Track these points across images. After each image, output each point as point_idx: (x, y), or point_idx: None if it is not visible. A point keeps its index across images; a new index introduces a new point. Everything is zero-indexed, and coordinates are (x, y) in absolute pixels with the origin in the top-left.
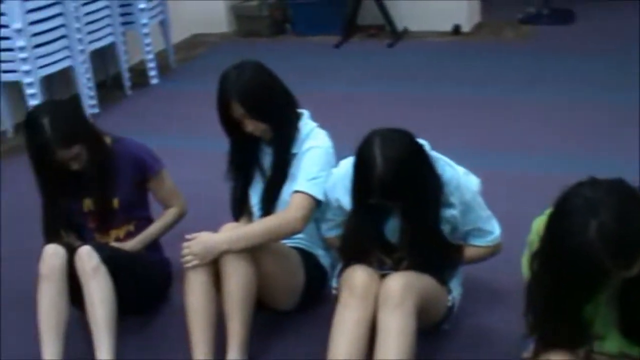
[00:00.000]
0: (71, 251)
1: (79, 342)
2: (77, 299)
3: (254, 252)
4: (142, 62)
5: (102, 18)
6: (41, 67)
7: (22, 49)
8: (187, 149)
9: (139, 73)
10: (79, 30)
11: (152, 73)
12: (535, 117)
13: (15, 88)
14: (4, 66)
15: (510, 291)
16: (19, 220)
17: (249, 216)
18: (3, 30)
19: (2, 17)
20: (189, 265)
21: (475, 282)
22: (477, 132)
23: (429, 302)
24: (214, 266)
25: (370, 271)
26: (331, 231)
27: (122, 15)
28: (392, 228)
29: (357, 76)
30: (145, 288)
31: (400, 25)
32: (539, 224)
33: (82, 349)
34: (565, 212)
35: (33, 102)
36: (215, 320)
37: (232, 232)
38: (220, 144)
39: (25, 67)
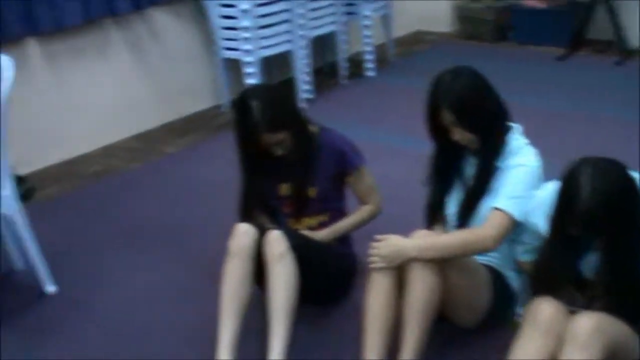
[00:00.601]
0: (262, 232)
1: (256, 322)
2: (261, 279)
3: (442, 263)
4: (360, 53)
5: (326, 6)
6: (262, 47)
7: (246, 29)
8: (393, 145)
9: (356, 64)
10: (302, 16)
11: (369, 65)
12: None
13: (235, 66)
14: (227, 44)
15: None
16: (222, 193)
17: (443, 224)
18: (230, 9)
19: None
20: (375, 266)
21: None
22: None
23: (619, 349)
24: (399, 271)
25: (559, 305)
26: (525, 255)
27: (346, 5)
28: (590, 263)
29: (577, 93)
30: (329, 280)
31: (632, 43)
32: None
33: (258, 328)
34: None
35: (250, 81)
36: (392, 326)
37: (423, 240)
38: (426, 146)
39: (247, 47)
